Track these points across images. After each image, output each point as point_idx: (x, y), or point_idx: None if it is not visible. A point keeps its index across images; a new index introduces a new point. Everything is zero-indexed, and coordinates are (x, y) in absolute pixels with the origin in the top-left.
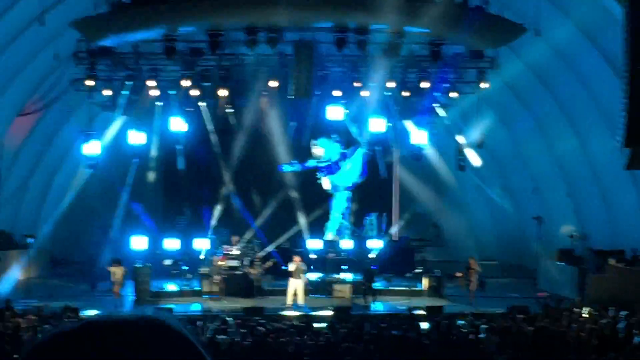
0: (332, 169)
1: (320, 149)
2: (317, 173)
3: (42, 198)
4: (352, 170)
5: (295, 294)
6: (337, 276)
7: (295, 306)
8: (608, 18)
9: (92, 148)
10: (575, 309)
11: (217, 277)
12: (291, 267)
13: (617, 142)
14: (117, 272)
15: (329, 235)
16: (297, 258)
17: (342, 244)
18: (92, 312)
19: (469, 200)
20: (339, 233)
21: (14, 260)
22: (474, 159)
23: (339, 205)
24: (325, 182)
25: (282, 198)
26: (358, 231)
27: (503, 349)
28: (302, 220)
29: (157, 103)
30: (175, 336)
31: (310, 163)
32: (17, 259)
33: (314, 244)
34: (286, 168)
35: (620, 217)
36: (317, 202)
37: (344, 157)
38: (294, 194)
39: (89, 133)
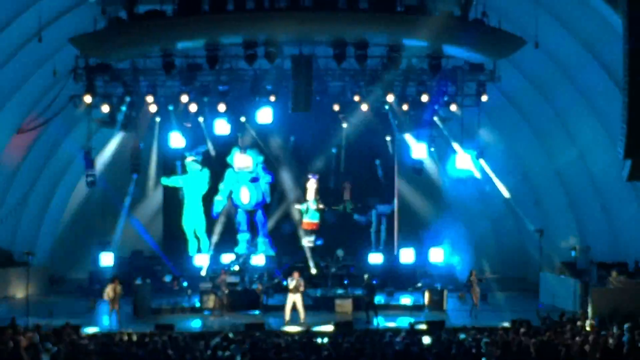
0: (257, 179)
1: (249, 159)
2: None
3: (41, 215)
4: None
5: (294, 309)
6: (338, 291)
7: (297, 321)
8: (608, 30)
9: (92, 164)
10: (578, 322)
11: (218, 293)
12: (291, 283)
13: (618, 154)
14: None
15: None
16: (296, 274)
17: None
18: (92, 330)
19: (470, 213)
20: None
21: (13, 278)
22: (475, 172)
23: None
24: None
25: (283, 212)
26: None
27: None
28: (304, 234)
29: (156, 119)
30: None
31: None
32: (17, 277)
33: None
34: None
35: (622, 229)
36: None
37: (263, 169)
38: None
39: (88, 149)
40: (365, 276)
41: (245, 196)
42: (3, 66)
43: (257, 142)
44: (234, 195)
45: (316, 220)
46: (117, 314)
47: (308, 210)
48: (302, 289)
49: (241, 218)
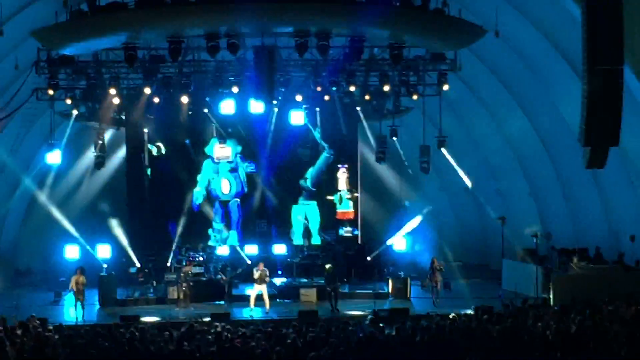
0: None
1: (228, 149)
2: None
3: (5, 207)
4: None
5: (260, 300)
6: (303, 280)
7: (263, 311)
8: (567, 18)
9: (55, 157)
10: (540, 308)
11: (183, 284)
12: (255, 273)
13: (578, 141)
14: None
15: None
16: (261, 264)
17: (311, 248)
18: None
19: (433, 201)
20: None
21: None
22: (437, 161)
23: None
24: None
25: (247, 203)
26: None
27: (469, 349)
28: (268, 225)
29: (119, 111)
30: None
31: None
32: None
33: (280, 249)
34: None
35: (583, 216)
36: (283, 207)
37: (241, 159)
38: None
39: (51, 142)
40: (327, 266)
41: (226, 186)
42: None
43: (237, 132)
44: (214, 185)
45: (351, 210)
46: (82, 305)
47: (342, 200)
48: (267, 279)
49: (217, 209)
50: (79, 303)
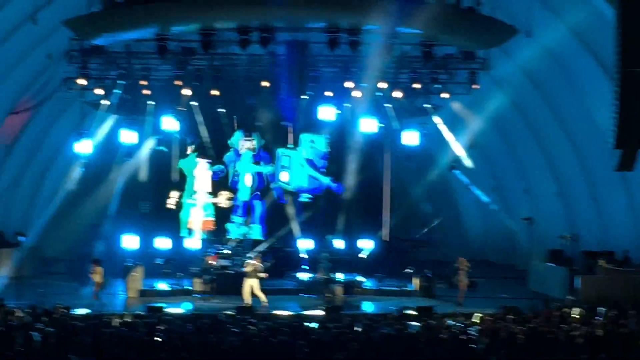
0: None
1: (253, 142)
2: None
3: (34, 196)
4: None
5: (252, 294)
6: (328, 276)
7: (258, 304)
8: (600, 20)
9: (84, 147)
10: (565, 310)
11: (209, 277)
12: (247, 267)
13: (609, 144)
14: (95, 272)
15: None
16: (256, 259)
17: (334, 244)
18: (82, 311)
19: (460, 200)
20: None
21: (4, 258)
22: (466, 160)
23: None
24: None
25: (273, 197)
26: None
27: (493, 349)
28: (293, 219)
29: (149, 102)
30: None
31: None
32: (8, 258)
33: (304, 244)
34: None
35: (610, 219)
36: (308, 201)
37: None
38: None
39: (80, 132)
40: (323, 254)
41: (249, 179)
42: None
43: (259, 126)
44: (238, 178)
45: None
46: (105, 295)
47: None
48: (262, 275)
49: (240, 201)
50: (102, 292)
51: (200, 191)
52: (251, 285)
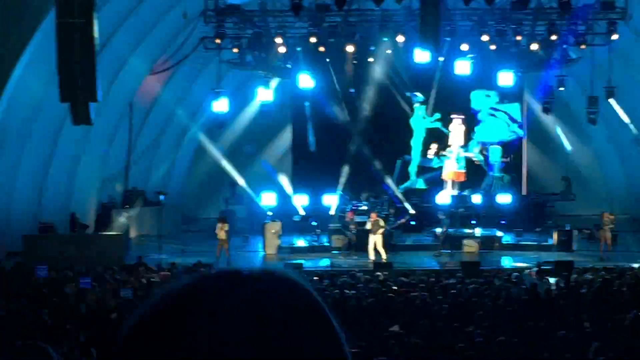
0: None
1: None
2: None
3: (173, 156)
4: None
5: (375, 250)
6: (466, 231)
7: (379, 259)
8: None
9: (222, 105)
10: None
11: (347, 233)
12: (368, 224)
13: None
14: (220, 229)
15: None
16: (373, 214)
17: (472, 199)
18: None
19: (600, 152)
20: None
21: (147, 217)
22: (605, 112)
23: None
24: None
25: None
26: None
27: (635, 302)
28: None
29: (285, 60)
30: (300, 293)
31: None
32: (150, 216)
33: (442, 199)
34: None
35: None
36: None
37: None
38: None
39: (218, 91)
40: (440, 213)
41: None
42: (134, 10)
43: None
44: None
45: (463, 170)
46: (226, 252)
47: (457, 158)
48: (381, 230)
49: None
50: (223, 250)
51: (454, 145)
52: (374, 241)
